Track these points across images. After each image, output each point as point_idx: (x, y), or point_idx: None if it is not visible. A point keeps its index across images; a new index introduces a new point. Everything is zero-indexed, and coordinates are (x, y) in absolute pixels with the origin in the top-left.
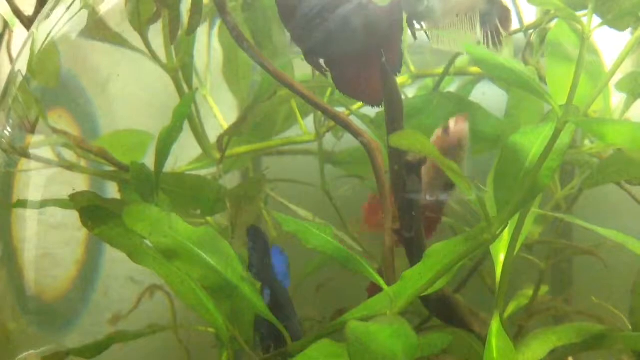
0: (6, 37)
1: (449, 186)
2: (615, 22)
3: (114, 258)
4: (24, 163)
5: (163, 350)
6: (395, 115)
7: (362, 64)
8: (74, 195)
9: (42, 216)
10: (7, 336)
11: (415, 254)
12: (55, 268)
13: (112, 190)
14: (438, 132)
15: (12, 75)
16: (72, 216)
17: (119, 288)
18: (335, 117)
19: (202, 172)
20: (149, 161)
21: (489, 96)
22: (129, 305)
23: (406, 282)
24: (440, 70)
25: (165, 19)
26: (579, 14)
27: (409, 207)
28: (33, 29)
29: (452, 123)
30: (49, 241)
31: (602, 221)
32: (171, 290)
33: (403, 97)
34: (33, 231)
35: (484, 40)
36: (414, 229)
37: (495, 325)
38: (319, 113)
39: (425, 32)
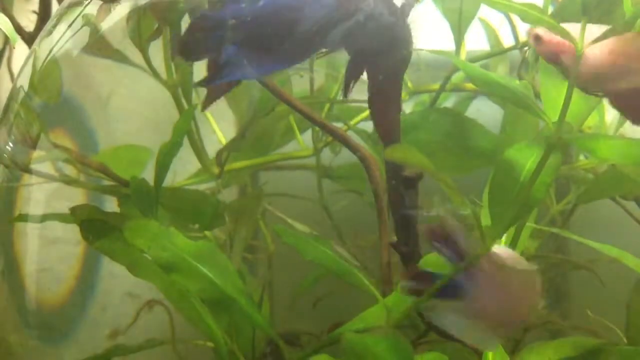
0: (7, 54)
1: None
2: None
3: (112, 273)
4: (25, 178)
5: None
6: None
7: None
8: (75, 209)
9: (41, 231)
10: (9, 350)
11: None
12: (53, 283)
13: (110, 205)
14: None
15: (14, 92)
16: (71, 231)
17: (117, 302)
18: (332, 133)
19: (201, 187)
20: (148, 176)
21: (484, 112)
22: (127, 320)
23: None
24: (436, 86)
25: (165, 36)
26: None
27: (406, 222)
28: (35, 45)
29: (540, 31)
30: (48, 256)
31: (599, 236)
32: (170, 303)
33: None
34: (32, 246)
35: None
36: (411, 243)
37: None
38: (317, 128)
39: None
